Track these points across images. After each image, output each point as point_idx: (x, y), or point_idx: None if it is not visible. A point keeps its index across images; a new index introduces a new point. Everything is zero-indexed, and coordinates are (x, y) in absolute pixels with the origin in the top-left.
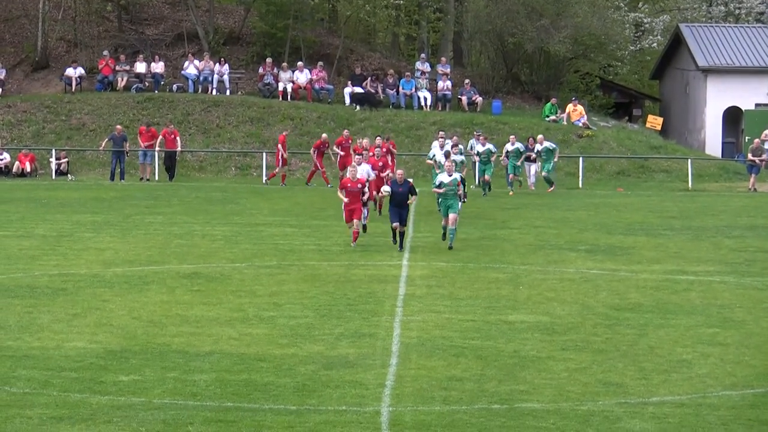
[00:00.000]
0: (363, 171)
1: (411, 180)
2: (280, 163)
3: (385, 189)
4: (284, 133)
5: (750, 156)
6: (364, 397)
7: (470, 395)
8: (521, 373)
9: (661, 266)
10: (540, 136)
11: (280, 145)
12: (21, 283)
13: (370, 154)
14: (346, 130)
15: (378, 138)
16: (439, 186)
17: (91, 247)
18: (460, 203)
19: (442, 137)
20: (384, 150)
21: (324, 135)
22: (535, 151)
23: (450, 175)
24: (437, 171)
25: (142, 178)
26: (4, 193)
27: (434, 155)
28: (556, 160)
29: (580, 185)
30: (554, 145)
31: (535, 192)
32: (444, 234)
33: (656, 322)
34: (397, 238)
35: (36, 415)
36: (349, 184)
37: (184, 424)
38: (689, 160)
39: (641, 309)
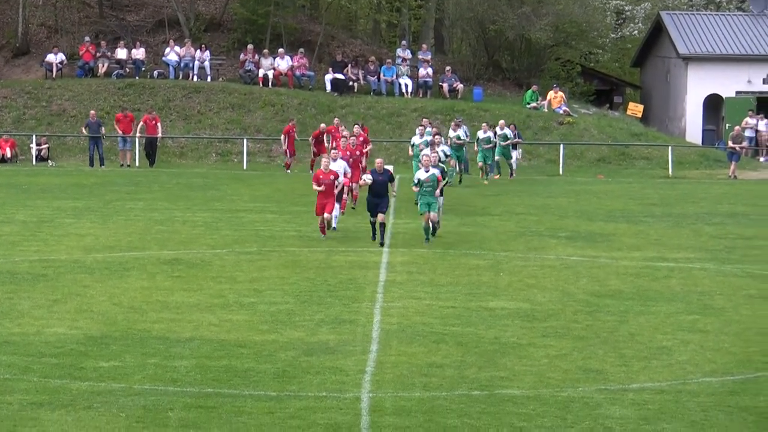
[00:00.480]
0: (339, 166)
1: (390, 167)
2: (288, 153)
3: (367, 177)
4: (289, 124)
5: (730, 143)
6: (345, 383)
7: (450, 381)
8: (501, 359)
9: (641, 253)
10: (501, 122)
11: (283, 136)
12: (1, 269)
13: (348, 141)
14: (336, 118)
15: (356, 126)
16: (418, 184)
17: (71, 233)
18: (440, 200)
19: (424, 125)
20: (360, 139)
21: (322, 125)
22: (496, 135)
23: (427, 171)
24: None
25: (122, 165)
26: None
27: (414, 144)
28: (505, 144)
29: (561, 172)
30: (510, 134)
31: (516, 179)
32: (427, 238)
33: (636, 308)
34: (378, 232)
35: (16, 400)
36: (321, 176)
37: (165, 409)
38: (670, 148)
39: (621, 296)
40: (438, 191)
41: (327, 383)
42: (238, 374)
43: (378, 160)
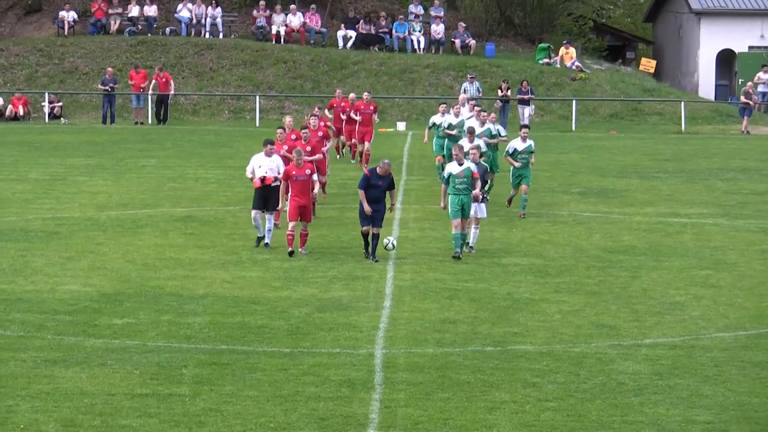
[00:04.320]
0: (274, 164)
1: (403, 124)
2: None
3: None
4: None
5: (743, 98)
6: (358, 339)
7: (463, 337)
8: (514, 315)
9: (654, 209)
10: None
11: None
12: (15, 227)
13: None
14: (338, 89)
15: (366, 94)
16: (448, 180)
17: (84, 191)
18: (481, 209)
19: (465, 100)
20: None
21: (338, 91)
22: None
23: (460, 164)
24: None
25: (136, 122)
26: None
27: (437, 124)
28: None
29: (574, 128)
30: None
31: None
32: (459, 251)
33: (649, 264)
34: (370, 243)
35: (30, 358)
36: (294, 172)
37: (179, 366)
38: (682, 103)
39: (634, 251)
40: (479, 195)
41: (340, 340)
42: (251, 331)
43: (384, 162)
